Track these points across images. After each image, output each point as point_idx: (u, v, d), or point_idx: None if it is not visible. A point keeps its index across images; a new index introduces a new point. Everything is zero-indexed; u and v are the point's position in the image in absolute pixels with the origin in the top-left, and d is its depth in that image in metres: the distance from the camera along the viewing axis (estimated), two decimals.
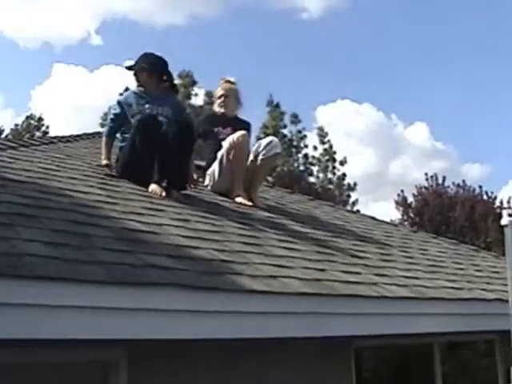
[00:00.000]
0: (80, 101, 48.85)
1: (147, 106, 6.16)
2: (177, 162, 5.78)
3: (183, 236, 4.21)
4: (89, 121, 43.61)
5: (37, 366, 3.01)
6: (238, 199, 6.45)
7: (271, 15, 47.66)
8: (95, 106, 45.40)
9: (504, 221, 4.91)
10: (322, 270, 4.39)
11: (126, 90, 33.84)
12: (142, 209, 4.74)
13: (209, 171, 6.85)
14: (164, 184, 5.72)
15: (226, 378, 3.73)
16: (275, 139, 7.19)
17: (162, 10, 50.99)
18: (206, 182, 6.87)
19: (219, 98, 7.37)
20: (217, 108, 7.36)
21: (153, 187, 5.57)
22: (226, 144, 6.63)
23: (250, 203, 6.45)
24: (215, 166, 6.73)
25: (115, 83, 41.94)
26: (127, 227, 4.07)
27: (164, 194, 5.52)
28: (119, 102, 6.33)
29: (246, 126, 7.29)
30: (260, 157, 6.76)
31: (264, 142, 6.92)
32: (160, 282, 3.08)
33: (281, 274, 3.90)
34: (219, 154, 6.68)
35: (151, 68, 6.31)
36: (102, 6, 50.00)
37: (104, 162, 6.22)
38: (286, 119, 34.84)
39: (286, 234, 5.39)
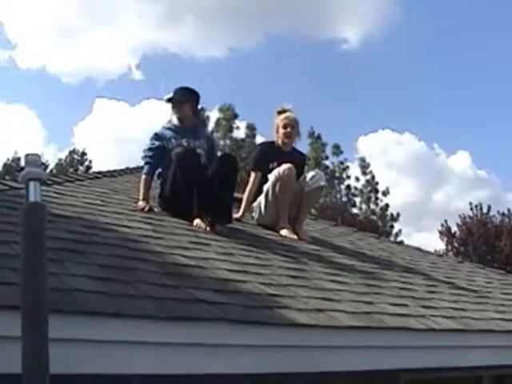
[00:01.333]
0: (122, 135, 49.40)
1: (184, 139, 6.16)
2: (220, 196, 5.75)
3: (228, 270, 4.20)
4: (130, 154, 44.01)
5: None
6: (283, 232, 6.39)
7: (310, 47, 47.92)
8: (137, 140, 45.83)
9: None
10: (370, 302, 4.34)
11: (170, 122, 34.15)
12: (188, 243, 4.75)
13: (254, 204, 6.82)
14: (208, 218, 5.67)
15: None
16: (320, 172, 7.13)
17: (202, 43, 51.51)
18: (252, 214, 6.85)
19: (284, 127, 6.89)
20: (281, 139, 6.91)
21: (197, 221, 5.55)
22: (272, 177, 6.58)
23: (295, 236, 6.38)
24: (261, 199, 6.69)
25: (156, 116, 42.32)
26: (173, 261, 4.08)
27: (209, 228, 5.50)
28: (157, 135, 6.24)
29: (303, 158, 7.27)
30: (305, 189, 6.68)
31: (309, 174, 6.80)
32: (206, 318, 3.07)
33: (328, 308, 3.87)
34: (265, 187, 6.65)
35: (190, 101, 6.30)
36: (142, 40, 50.62)
37: (141, 203, 5.87)
38: (328, 150, 34.93)
39: (332, 267, 5.34)
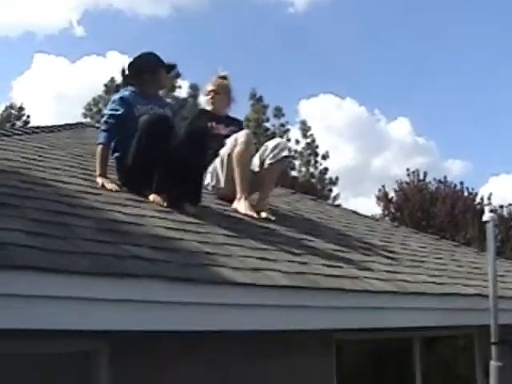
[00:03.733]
0: (61, 91, 48.58)
1: (150, 106, 5.46)
2: (189, 172, 5.12)
3: (166, 227, 4.21)
4: (70, 111, 43.30)
5: (17, 357, 2.98)
6: (241, 208, 5.74)
7: (256, 9, 47.73)
8: (77, 97, 45.12)
9: (486, 217, 4.96)
10: (305, 263, 4.39)
11: (112, 81, 34.11)
12: (126, 200, 4.72)
13: (209, 169, 6.24)
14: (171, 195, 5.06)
15: (204, 371, 3.72)
16: (283, 141, 6.74)
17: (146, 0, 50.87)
18: (207, 180, 6.24)
19: (208, 93, 6.82)
20: (206, 105, 6.89)
21: (153, 196, 4.98)
22: (227, 144, 6.12)
23: (255, 214, 5.69)
24: (217, 165, 6.22)
25: (97, 73, 41.73)
26: (110, 218, 4.06)
27: (165, 203, 4.93)
28: (123, 99, 5.45)
29: (238, 123, 6.94)
30: (267, 161, 6.10)
31: (271, 144, 6.21)
32: (142, 274, 3.07)
33: (264, 267, 3.90)
34: (221, 153, 6.17)
35: (154, 68, 5.72)
36: None
37: (101, 179, 5.17)
38: (269, 113, 34.89)
39: (268, 227, 5.38)
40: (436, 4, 46.60)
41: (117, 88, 6.47)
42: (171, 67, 5.99)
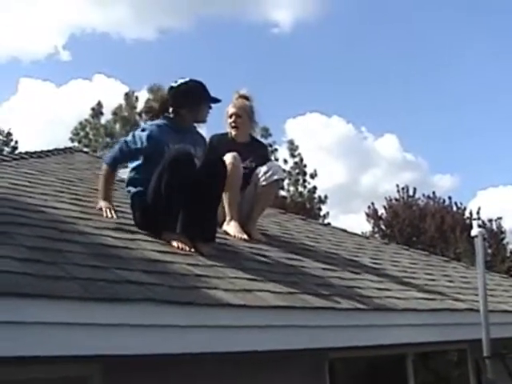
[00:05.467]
0: (49, 116, 48.47)
1: (182, 145, 4.92)
2: (205, 210, 4.81)
3: (157, 251, 4.22)
4: (57, 135, 43.15)
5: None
6: (230, 229, 5.68)
7: (242, 30, 47.96)
8: (64, 121, 45.01)
9: (474, 232, 4.98)
10: (295, 282, 4.41)
11: (99, 104, 34.09)
12: (116, 224, 4.72)
13: None
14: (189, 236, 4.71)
15: None
16: (276, 163, 6.50)
17: (132, 24, 51.04)
18: None
19: (229, 117, 6.21)
20: (228, 129, 6.24)
21: (177, 243, 4.54)
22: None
23: (245, 236, 5.62)
24: None
25: (84, 97, 41.70)
26: (101, 242, 4.07)
27: (192, 249, 4.55)
28: (150, 137, 4.91)
29: (264, 149, 6.60)
30: (259, 184, 5.96)
31: (264, 167, 6.01)
32: (135, 298, 3.09)
33: (255, 288, 3.92)
34: None
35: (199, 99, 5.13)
36: (70, 19, 49.84)
37: (102, 203, 4.95)
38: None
39: (258, 248, 5.39)
40: (424, 19, 46.81)
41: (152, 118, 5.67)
42: (215, 101, 5.24)
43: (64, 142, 29.97)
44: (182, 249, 4.48)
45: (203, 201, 4.76)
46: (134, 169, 5.03)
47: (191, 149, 4.92)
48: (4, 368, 2.82)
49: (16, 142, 36.31)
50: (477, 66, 46.03)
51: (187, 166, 4.63)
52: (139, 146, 4.91)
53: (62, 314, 2.79)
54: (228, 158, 5.59)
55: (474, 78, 46.51)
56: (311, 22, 49.73)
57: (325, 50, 48.94)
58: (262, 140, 7.97)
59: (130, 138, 5.01)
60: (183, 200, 4.67)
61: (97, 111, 33.71)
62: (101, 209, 4.91)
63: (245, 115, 6.23)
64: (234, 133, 6.17)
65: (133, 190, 4.94)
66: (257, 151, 6.27)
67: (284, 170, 33.49)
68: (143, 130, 5.00)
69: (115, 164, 5.08)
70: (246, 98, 6.31)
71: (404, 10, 47.17)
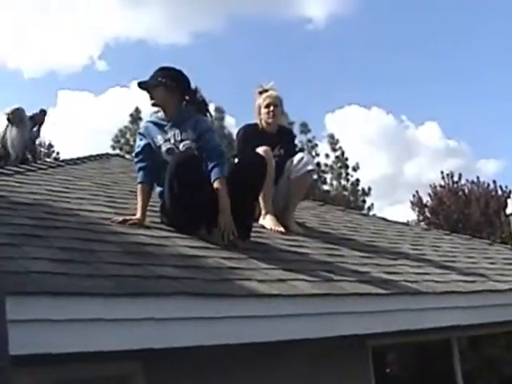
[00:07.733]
0: (89, 125, 48.95)
1: (170, 133, 4.91)
2: (240, 206, 4.71)
3: (190, 247, 4.25)
4: (99, 144, 43.60)
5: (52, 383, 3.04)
6: (267, 223, 5.76)
7: (276, 28, 47.90)
8: (104, 129, 45.48)
9: (510, 210, 4.94)
10: (331, 271, 4.40)
11: (137, 110, 34.33)
12: (150, 222, 4.76)
13: None
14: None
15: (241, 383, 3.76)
16: (307, 155, 6.65)
17: (166, 29, 51.36)
18: None
19: (266, 106, 6.20)
20: (264, 120, 6.23)
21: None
22: None
23: (281, 228, 5.69)
24: None
25: (122, 104, 42.03)
26: (134, 241, 4.11)
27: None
28: (140, 134, 5.08)
29: (291, 136, 6.76)
30: (292, 176, 6.06)
31: (295, 159, 6.12)
32: (167, 292, 3.11)
33: (289, 277, 3.92)
34: None
35: (165, 83, 4.95)
36: (104, 30, 50.29)
37: (134, 217, 4.74)
38: (296, 129, 34.92)
39: (295, 239, 5.40)
40: (462, 4, 46.33)
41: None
42: (141, 83, 5.07)
43: (106, 150, 30.19)
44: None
45: (243, 199, 4.75)
46: None
47: (178, 135, 4.89)
48: (40, 368, 2.86)
49: (57, 153, 36.77)
50: None
51: (190, 168, 4.59)
52: (140, 146, 5.01)
53: (97, 311, 2.82)
54: (260, 152, 5.53)
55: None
56: (345, 16, 49.60)
57: (359, 43, 48.77)
58: (302, 136, 8.20)
59: (134, 147, 5.19)
60: (203, 197, 4.61)
61: (135, 117, 33.93)
62: (138, 221, 4.71)
63: (280, 105, 6.33)
64: (270, 121, 6.21)
65: (158, 189, 4.96)
66: (284, 138, 6.39)
67: (318, 164, 33.52)
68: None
69: (144, 177, 4.97)
70: (273, 89, 6.37)
71: None
